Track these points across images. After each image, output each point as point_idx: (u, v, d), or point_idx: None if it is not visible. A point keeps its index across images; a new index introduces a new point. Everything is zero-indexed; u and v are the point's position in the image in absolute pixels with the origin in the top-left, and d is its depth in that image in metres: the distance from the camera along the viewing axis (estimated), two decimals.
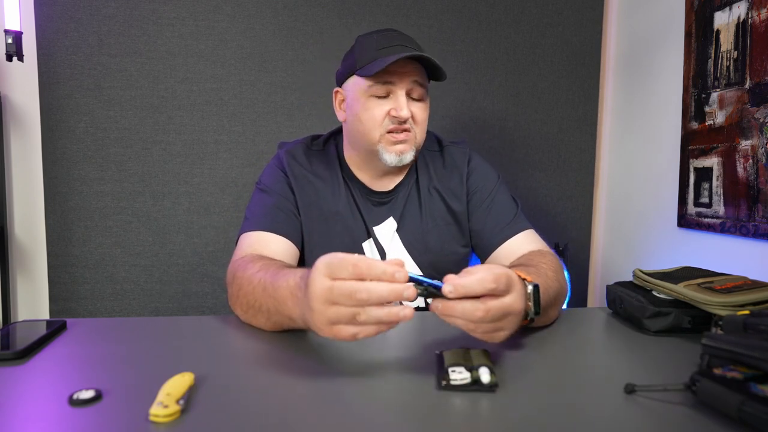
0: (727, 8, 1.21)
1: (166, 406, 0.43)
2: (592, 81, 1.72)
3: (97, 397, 0.47)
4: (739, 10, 1.18)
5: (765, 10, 1.11)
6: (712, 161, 1.25)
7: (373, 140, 0.88)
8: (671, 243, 1.43)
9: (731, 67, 1.20)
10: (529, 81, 1.69)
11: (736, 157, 1.18)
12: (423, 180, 0.97)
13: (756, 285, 0.70)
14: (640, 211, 1.59)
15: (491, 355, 0.58)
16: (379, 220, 0.95)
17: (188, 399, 0.47)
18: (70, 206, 1.50)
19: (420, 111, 0.89)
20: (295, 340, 0.66)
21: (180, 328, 0.72)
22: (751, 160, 1.14)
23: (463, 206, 0.96)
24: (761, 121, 1.11)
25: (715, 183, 1.25)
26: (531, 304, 0.59)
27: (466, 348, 0.57)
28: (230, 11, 1.53)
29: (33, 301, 1.55)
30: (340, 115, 0.95)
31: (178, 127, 1.53)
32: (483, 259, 0.96)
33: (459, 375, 0.50)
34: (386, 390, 0.51)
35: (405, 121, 0.86)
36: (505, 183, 1.00)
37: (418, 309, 0.93)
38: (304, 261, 0.94)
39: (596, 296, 1.82)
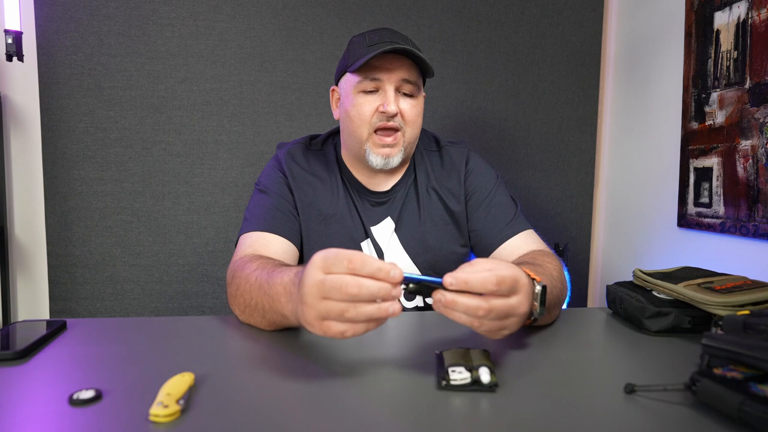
0: (727, 8, 1.21)
1: (166, 406, 0.43)
2: (592, 81, 1.72)
3: (97, 397, 0.47)
4: (739, 10, 1.18)
5: (765, 10, 1.11)
6: (712, 161, 1.25)
7: (362, 138, 0.88)
8: (671, 243, 1.43)
9: (731, 67, 1.20)
10: (529, 81, 1.69)
11: (736, 157, 1.18)
12: (421, 180, 0.97)
13: (756, 285, 0.70)
14: (640, 211, 1.59)
15: (491, 355, 0.59)
16: (377, 221, 0.95)
17: (188, 399, 0.47)
18: (70, 206, 1.50)
19: (410, 108, 0.88)
20: (295, 340, 0.66)
21: (180, 328, 0.72)
22: (751, 160, 1.14)
23: (461, 206, 0.96)
24: (761, 121, 1.11)
25: (715, 183, 1.25)
26: (537, 304, 0.59)
27: (466, 348, 0.57)
28: (230, 11, 1.53)
29: (33, 301, 1.55)
30: (336, 113, 0.96)
31: (178, 127, 1.53)
32: None
33: (459, 375, 0.50)
34: (386, 390, 0.51)
35: (393, 117, 0.86)
36: (504, 183, 1.00)
37: (417, 309, 0.93)
38: (304, 261, 0.94)
39: (596, 296, 1.82)
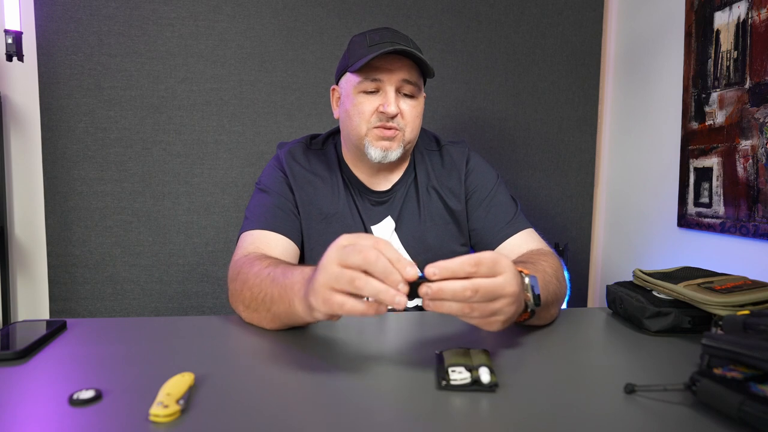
0: (727, 8, 1.21)
1: (166, 406, 0.43)
2: (592, 81, 1.72)
3: (97, 397, 0.47)
4: (739, 10, 1.18)
5: (765, 10, 1.11)
6: (712, 161, 1.25)
7: (361, 134, 0.89)
8: (671, 243, 1.43)
9: (731, 67, 1.20)
10: (529, 81, 1.69)
11: (736, 157, 1.18)
12: (421, 179, 0.97)
13: (756, 285, 0.70)
14: (640, 211, 1.59)
15: (491, 355, 0.59)
16: (377, 220, 0.95)
17: (188, 399, 0.47)
18: (70, 206, 1.50)
19: (410, 108, 0.89)
20: (296, 340, 0.66)
21: (180, 328, 0.72)
22: (751, 160, 1.14)
23: (461, 205, 0.96)
24: (761, 121, 1.11)
25: (715, 183, 1.25)
26: (530, 295, 0.59)
27: (466, 348, 0.57)
28: (230, 11, 1.53)
29: (33, 301, 1.55)
30: (336, 113, 0.96)
31: (178, 127, 1.53)
32: None
33: (459, 375, 0.50)
34: (386, 390, 0.51)
35: (393, 117, 0.87)
36: (504, 182, 1.00)
37: (418, 309, 0.93)
38: (304, 260, 0.94)
39: (596, 296, 1.82)
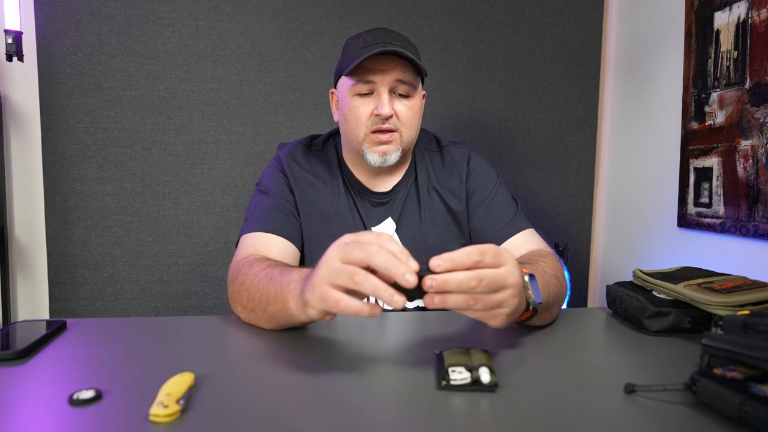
0: (727, 8, 1.21)
1: (166, 406, 0.43)
2: (592, 81, 1.72)
3: (97, 397, 0.47)
4: (739, 10, 1.18)
5: (765, 10, 1.11)
6: (712, 161, 1.25)
7: (359, 139, 0.89)
8: (671, 243, 1.43)
9: (731, 67, 1.20)
10: (529, 81, 1.69)
11: (736, 157, 1.18)
12: (422, 180, 0.97)
13: (756, 285, 0.70)
14: (640, 211, 1.59)
15: (491, 355, 0.59)
16: (378, 221, 0.95)
17: (188, 399, 0.47)
18: (70, 206, 1.50)
19: (405, 108, 0.88)
20: (296, 340, 0.66)
21: (180, 328, 0.72)
22: (751, 160, 1.14)
23: (462, 206, 0.96)
24: (761, 121, 1.11)
25: (715, 183, 1.25)
26: (530, 292, 0.59)
27: (466, 348, 0.57)
28: (230, 11, 1.53)
29: (33, 301, 1.55)
30: (335, 116, 0.96)
31: (178, 127, 1.53)
32: None
33: (459, 375, 0.50)
34: (386, 390, 0.51)
35: (388, 119, 0.87)
36: (504, 182, 1.00)
37: (418, 309, 0.93)
38: (304, 262, 0.94)
39: (596, 296, 1.82)
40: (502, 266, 0.53)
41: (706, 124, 1.28)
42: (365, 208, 0.95)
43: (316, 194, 0.94)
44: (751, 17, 1.14)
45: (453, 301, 0.52)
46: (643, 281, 0.79)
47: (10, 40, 1.33)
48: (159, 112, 1.52)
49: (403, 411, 0.46)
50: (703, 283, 0.72)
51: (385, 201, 0.96)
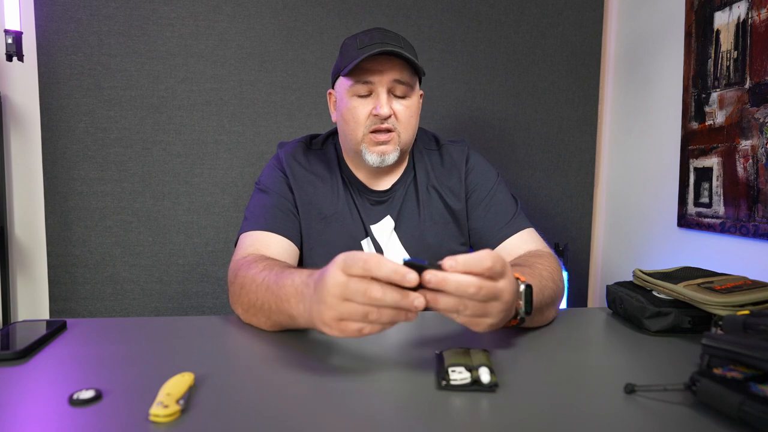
0: (727, 8, 1.21)
1: (166, 406, 0.43)
2: (592, 81, 1.72)
3: (97, 397, 0.47)
4: (739, 10, 1.18)
5: (765, 10, 1.11)
6: (712, 161, 1.25)
7: (357, 139, 0.89)
8: (671, 243, 1.43)
9: (731, 67, 1.20)
10: (529, 81, 1.69)
11: (736, 157, 1.18)
12: (421, 178, 0.97)
13: (756, 285, 0.70)
14: (640, 211, 1.59)
15: (491, 355, 0.59)
16: (377, 219, 0.95)
17: (188, 399, 0.47)
18: (70, 206, 1.50)
19: (403, 108, 0.88)
20: (296, 340, 0.66)
21: (180, 328, 0.72)
22: (751, 160, 1.14)
23: (461, 204, 0.96)
24: (761, 121, 1.11)
25: (715, 183, 1.25)
26: (522, 303, 0.59)
27: (466, 348, 0.57)
28: (230, 11, 1.53)
29: (33, 301, 1.55)
30: (334, 116, 0.96)
31: (178, 127, 1.53)
32: None
33: (459, 375, 0.50)
34: (386, 389, 0.51)
35: (386, 119, 0.87)
36: (504, 181, 1.00)
37: None
38: (303, 260, 0.94)
39: (596, 296, 1.82)
40: (501, 280, 0.54)
41: (706, 124, 1.28)
42: (364, 206, 0.95)
43: (316, 193, 0.94)
44: (751, 17, 1.14)
45: (444, 302, 0.52)
46: (643, 281, 0.79)
47: (10, 40, 1.33)
48: (159, 112, 1.52)
49: (403, 411, 0.46)
50: (703, 283, 0.72)
51: (384, 199, 0.96)
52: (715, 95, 1.25)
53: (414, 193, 0.97)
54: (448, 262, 0.51)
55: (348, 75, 0.86)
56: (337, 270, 0.51)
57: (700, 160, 1.30)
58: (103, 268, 1.52)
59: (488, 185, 0.97)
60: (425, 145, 1.01)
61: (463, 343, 0.64)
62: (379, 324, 0.51)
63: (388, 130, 0.88)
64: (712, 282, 0.72)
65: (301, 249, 0.93)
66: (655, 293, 0.76)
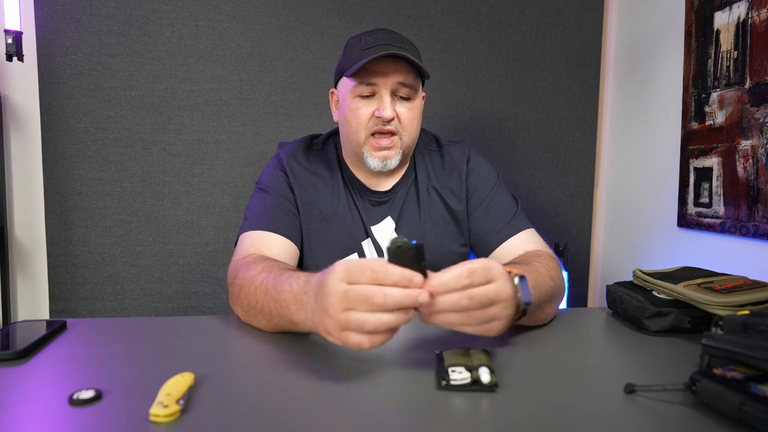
0: (727, 8, 1.21)
1: (166, 406, 0.43)
2: (592, 81, 1.72)
3: (97, 397, 0.47)
4: (739, 10, 1.18)
5: (765, 10, 1.11)
6: (712, 161, 1.25)
7: (359, 141, 0.89)
8: (671, 243, 1.43)
9: (731, 67, 1.20)
10: (529, 81, 1.69)
11: (736, 157, 1.18)
12: (422, 179, 0.97)
13: (756, 285, 0.70)
14: (640, 211, 1.59)
15: (491, 355, 0.59)
16: (377, 220, 0.95)
17: (188, 399, 0.47)
18: (70, 206, 1.50)
19: (406, 111, 0.88)
20: (296, 341, 0.66)
21: (180, 328, 0.72)
22: (751, 160, 1.14)
23: (462, 205, 0.96)
24: (761, 121, 1.11)
25: (715, 183, 1.25)
26: (520, 294, 0.59)
27: (466, 348, 0.57)
28: (230, 11, 1.53)
29: (33, 301, 1.55)
30: (335, 116, 0.96)
31: (178, 127, 1.53)
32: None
33: (459, 375, 0.50)
34: (386, 390, 0.51)
35: (389, 122, 0.86)
36: (504, 182, 1.00)
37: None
38: (303, 260, 0.94)
39: (596, 296, 1.82)
40: (491, 282, 0.54)
41: (706, 124, 1.28)
42: (365, 207, 0.95)
43: (316, 193, 0.94)
44: (751, 17, 1.14)
45: (443, 319, 0.53)
46: (643, 281, 0.79)
47: (10, 40, 1.33)
48: (159, 112, 1.52)
49: (403, 411, 0.46)
50: (703, 283, 0.72)
51: (385, 200, 0.96)
52: (715, 95, 1.25)
53: (415, 194, 0.97)
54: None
55: (352, 75, 0.86)
56: (338, 279, 0.51)
57: (700, 160, 1.30)
58: (103, 268, 1.52)
59: (488, 186, 0.97)
60: (426, 145, 1.01)
61: (463, 343, 0.64)
62: (378, 334, 0.50)
63: (391, 133, 0.87)
64: (712, 282, 0.72)
65: (301, 249, 0.93)
66: (655, 293, 0.76)
